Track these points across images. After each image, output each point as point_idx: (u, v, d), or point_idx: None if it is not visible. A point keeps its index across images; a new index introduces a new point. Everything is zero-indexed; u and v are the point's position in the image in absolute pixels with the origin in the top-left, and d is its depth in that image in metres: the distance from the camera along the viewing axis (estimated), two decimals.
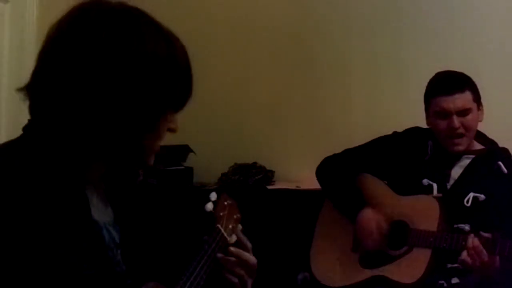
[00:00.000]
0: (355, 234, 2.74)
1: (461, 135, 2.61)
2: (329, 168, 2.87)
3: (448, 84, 2.64)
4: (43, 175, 1.15)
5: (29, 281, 1.09)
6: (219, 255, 1.52)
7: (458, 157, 2.67)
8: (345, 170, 2.81)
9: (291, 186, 3.32)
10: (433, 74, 3.32)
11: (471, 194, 2.56)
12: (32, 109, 1.22)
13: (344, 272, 2.73)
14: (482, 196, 2.56)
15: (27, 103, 1.23)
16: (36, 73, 1.21)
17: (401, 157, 2.75)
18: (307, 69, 3.52)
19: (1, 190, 1.11)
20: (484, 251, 2.35)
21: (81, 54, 1.15)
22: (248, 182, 3.33)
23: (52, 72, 1.18)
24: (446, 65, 3.32)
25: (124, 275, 1.30)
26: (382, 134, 2.87)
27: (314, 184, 3.29)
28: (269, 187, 3.34)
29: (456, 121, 2.58)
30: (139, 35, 1.17)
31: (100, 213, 1.27)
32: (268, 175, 3.39)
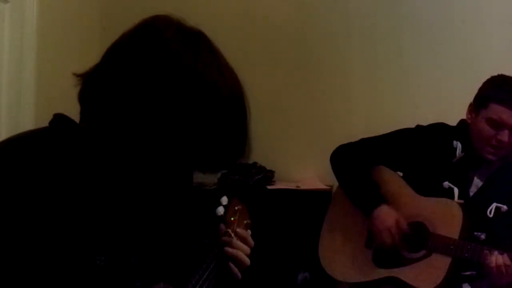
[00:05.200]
0: (369, 230, 2.67)
1: (502, 148, 2.52)
2: (344, 157, 2.77)
3: None
4: (75, 161, 1.20)
5: (40, 269, 1.12)
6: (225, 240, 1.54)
7: (483, 162, 2.59)
8: (361, 161, 2.71)
9: (291, 186, 3.32)
10: (433, 73, 3.35)
11: (494, 205, 2.51)
12: (83, 97, 1.26)
13: (358, 269, 2.68)
14: (504, 207, 2.51)
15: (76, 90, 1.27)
16: (101, 68, 1.25)
17: (423, 154, 2.66)
18: (307, 69, 3.52)
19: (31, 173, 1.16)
20: None
21: (140, 63, 1.20)
22: (248, 182, 3.33)
23: (114, 72, 1.22)
24: (446, 65, 3.33)
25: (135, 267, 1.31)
26: (382, 134, 2.81)
27: (314, 184, 3.30)
28: (269, 187, 3.34)
29: (507, 136, 2.48)
30: (196, 56, 1.21)
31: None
32: (268, 175, 3.39)
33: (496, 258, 2.35)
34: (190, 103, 1.18)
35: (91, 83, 1.23)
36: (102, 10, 3.59)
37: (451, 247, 2.47)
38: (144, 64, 1.19)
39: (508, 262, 2.34)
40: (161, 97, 1.17)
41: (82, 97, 1.25)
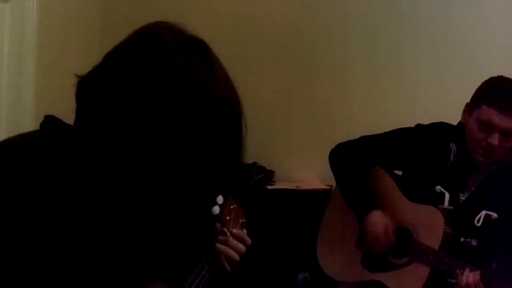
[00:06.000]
0: (361, 230, 2.66)
1: (492, 152, 2.46)
2: (343, 155, 2.74)
3: (510, 103, 2.42)
4: (68, 162, 1.19)
5: (36, 272, 1.12)
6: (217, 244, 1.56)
7: (477, 166, 2.53)
8: (360, 160, 2.69)
9: (291, 186, 3.32)
10: (433, 73, 3.35)
11: (483, 212, 2.44)
12: (79, 97, 1.26)
13: (346, 268, 2.69)
14: (494, 215, 2.44)
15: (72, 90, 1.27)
16: (98, 69, 1.25)
17: (421, 154, 2.62)
18: (307, 69, 3.52)
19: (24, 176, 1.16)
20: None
21: (135, 63, 1.21)
22: (248, 182, 3.33)
23: (109, 72, 1.22)
24: (446, 64, 3.33)
25: (132, 267, 1.32)
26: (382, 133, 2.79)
27: (314, 184, 3.31)
28: (269, 187, 3.34)
29: (497, 139, 2.41)
30: (189, 58, 1.21)
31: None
32: (268, 175, 3.39)
33: (467, 277, 2.31)
34: (180, 104, 1.18)
35: (87, 84, 1.24)
36: (102, 10, 3.59)
37: (431, 257, 2.45)
38: (139, 64, 1.19)
39: (477, 280, 2.29)
40: (151, 96, 1.17)
41: (78, 98, 1.25)
